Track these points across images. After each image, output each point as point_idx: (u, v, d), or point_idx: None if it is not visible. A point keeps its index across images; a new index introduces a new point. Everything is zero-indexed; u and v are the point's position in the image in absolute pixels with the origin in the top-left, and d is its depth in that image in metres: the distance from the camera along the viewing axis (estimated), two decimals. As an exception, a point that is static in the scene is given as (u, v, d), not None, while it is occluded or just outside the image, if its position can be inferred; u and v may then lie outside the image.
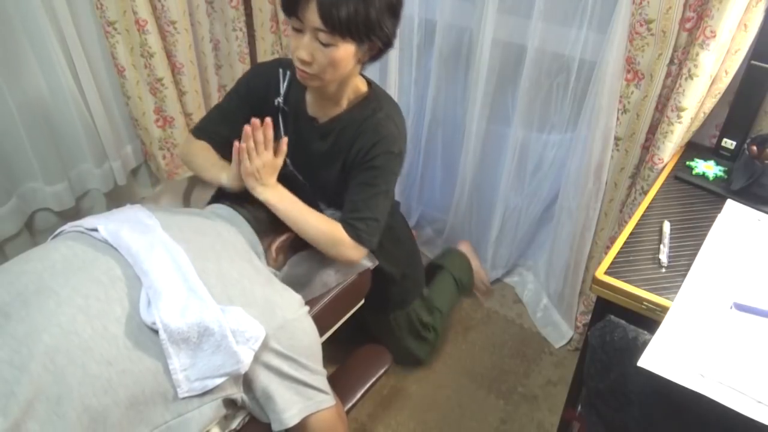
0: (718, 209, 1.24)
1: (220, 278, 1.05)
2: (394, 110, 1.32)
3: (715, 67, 1.29)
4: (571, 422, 1.46)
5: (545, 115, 1.78)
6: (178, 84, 1.82)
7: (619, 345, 0.94)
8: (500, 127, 1.87)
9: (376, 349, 1.56)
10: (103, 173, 1.77)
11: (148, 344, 0.96)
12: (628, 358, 0.91)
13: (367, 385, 1.44)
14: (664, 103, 1.42)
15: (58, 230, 1.15)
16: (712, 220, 1.21)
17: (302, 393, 1.09)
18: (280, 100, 1.35)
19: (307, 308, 1.16)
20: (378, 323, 1.72)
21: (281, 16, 1.95)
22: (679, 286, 1.06)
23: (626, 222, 1.28)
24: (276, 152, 1.22)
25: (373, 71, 1.80)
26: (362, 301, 1.49)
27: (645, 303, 1.07)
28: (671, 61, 1.35)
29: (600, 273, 1.11)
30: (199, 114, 1.92)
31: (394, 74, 1.87)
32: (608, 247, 1.43)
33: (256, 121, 1.18)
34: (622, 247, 1.17)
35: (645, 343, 0.91)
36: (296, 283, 1.30)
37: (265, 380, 1.06)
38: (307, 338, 1.13)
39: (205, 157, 1.35)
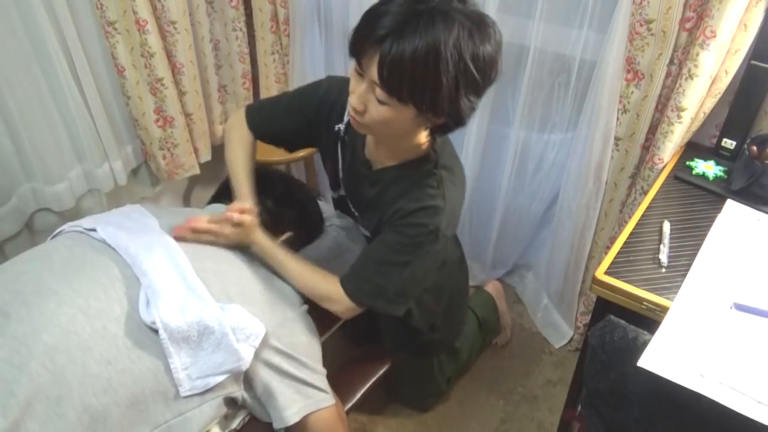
0: (718, 209, 1.24)
1: (219, 277, 1.06)
2: (450, 181, 1.15)
3: (715, 67, 1.29)
4: (571, 422, 1.46)
5: (546, 115, 1.77)
6: (178, 84, 1.82)
7: (619, 345, 0.94)
8: (501, 127, 1.86)
9: (376, 349, 1.56)
10: (103, 173, 1.77)
11: (148, 343, 0.96)
12: (628, 358, 0.91)
13: (367, 385, 1.44)
14: (664, 103, 1.42)
15: (58, 230, 1.15)
16: (712, 220, 1.21)
17: (302, 391, 1.09)
18: (341, 127, 1.24)
19: (306, 307, 1.16)
20: (394, 361, 1.56)
21: (281, 15, 1.95)
22: (679, 286, 1.06)
23: (626, 222, 1.28)
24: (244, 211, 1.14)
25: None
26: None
27: (645, 303, 1.07)
28: (671, 61, 1.34)
29: (600, 273, 1.11)
30: (199, 114, 1.92)
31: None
32: (608, 247, 1.43)
33: (233, 215, 1.12)
34: (622, 247, 1.17)
35: (645, 343, 0.91)
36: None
37: (266, 377, 1.06)
38: (306, 336, 1.13)
39: (237, 154, 1.29)
